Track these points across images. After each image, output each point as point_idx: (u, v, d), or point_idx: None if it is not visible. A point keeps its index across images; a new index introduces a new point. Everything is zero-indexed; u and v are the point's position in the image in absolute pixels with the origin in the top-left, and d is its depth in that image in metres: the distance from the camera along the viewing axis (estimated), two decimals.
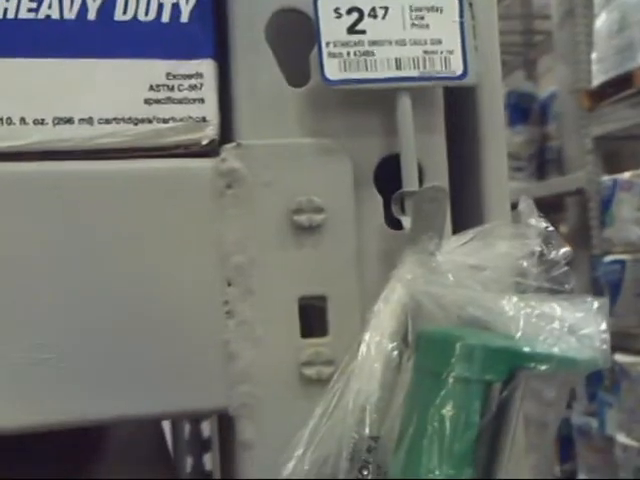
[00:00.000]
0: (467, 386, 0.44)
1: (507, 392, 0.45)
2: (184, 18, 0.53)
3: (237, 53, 0.54)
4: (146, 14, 0.53)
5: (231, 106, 0.54)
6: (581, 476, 2.49)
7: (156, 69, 0.53)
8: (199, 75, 0.53)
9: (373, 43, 0.53)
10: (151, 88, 0.53)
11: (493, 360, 0.45)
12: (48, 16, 0.51)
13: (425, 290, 0.48)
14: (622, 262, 2.32)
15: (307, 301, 0.53)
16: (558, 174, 2.80)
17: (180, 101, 0.53)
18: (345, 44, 0.52)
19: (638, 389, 2.18)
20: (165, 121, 0.53)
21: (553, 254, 0.49)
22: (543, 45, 3.26)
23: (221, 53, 0.54)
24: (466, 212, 0.58)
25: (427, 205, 0.51)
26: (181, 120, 0.53)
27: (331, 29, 0.52)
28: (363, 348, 0.48)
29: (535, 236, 0.49)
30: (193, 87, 0.53)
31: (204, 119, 0.53)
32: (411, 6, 0.53)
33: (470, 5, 0.55)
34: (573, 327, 0.45)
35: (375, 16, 0.53)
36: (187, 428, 1.85)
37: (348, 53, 0.52)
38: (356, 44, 0.52)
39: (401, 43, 0.53)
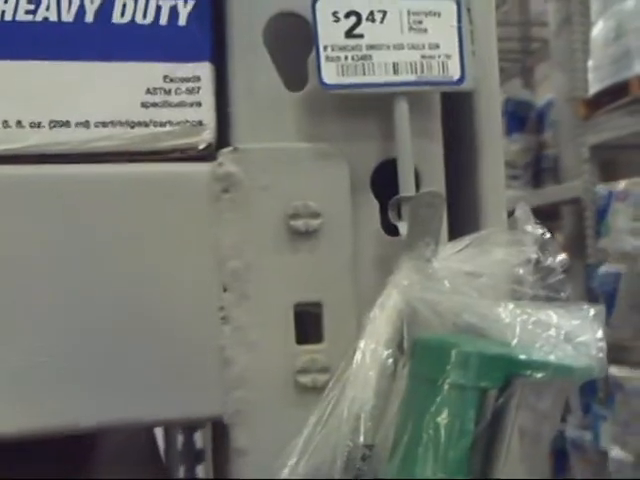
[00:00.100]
0: (462, 393, 0.44)
1: (502, 400, 0.44)
2: (182, 21, 0.53)
3: (235, 56, 0.54)
4: (144, 17, 0.53)
5: (228, 110, 0.54)
6: None
7: (153, 72, 0.53)
8: (196, 78, 0.53)
9: (371, 47, 0.53)
10: (148, 91, 0.53)
11: (489, 367, 0.44)
12: (46, 18, 0.51)
13: (421, 297, 0.48)
14: (617, 273, 2.31)
15: (303, 307, 0.53)
16: (554, 183, 2.80)
17: (177, 104, 0.53)
18: (343, 48, 0.52)
19: (632, 402, 2.17)
20: (162, 125, 0.53)
21: (549, 261, 0.48)
22: (540, 53, 3.27)
23: (218, 56, 0.54)
24: (463, 218, 0.57)
25: (424, 210, 0.50)
26: (178, 124, 0.53)
27: (329, 33, 0.52)
28: (358, 355, 0.48)
29: (531, 243, 0.49)
30: (190, 90, 0.53)
31: (201, 123, 0.53)
32: (409, 10, 0.53)
33: (468, 10, 0.55)
34: (569, 335, 0.45)
35: (373, 20, 0.53)
36: (180, 440, 1.84)
37: (346, 57, 0.52)
38: (354, 48, 0.52)
39: (399, 47, 0.53)
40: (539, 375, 0.44)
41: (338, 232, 0.53)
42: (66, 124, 0.51)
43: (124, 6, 0.52)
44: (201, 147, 0.53)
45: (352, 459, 0.46)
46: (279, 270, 0.52)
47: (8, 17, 0.51)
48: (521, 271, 0.49)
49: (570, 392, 0.46)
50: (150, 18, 0.53)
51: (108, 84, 0.52)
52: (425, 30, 0.53)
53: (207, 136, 0.53)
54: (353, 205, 0.54)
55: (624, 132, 2.31)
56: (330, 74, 0.52)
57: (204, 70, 0.53)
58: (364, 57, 0.52)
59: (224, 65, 0.54)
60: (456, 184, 0.57)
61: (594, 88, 2.29)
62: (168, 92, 0.53)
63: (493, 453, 0.45)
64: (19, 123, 0.51)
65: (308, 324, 0.53)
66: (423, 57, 0.53)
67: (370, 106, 0.54)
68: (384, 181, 0.54)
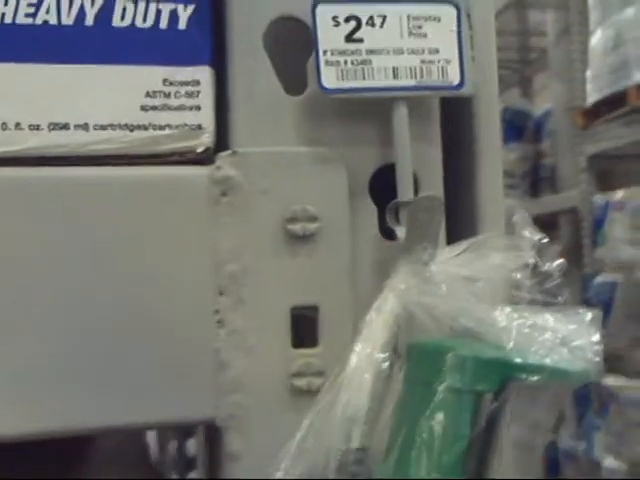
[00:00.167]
0: (458, 397, 0.44)
1: (497, 403, 0.44)
2: (182, 25, 0.53)
3: (234, 60, 0.54)
4: (144, 20, 0.53)
5: (227, 113, 0.54)
6: None
7: (153, 75, 0.53)
8: (196, 82, 0.53)
9: (370, 52, 0.53)
10: (147, 95, 0.53)
11: (484, 371, 0.44)
12: (46, 21, 0.51)
13: (418, 300, 0.48)
14: (613, 283, 2.31)
15: (299, 311, 0.53)
16: (552, 192, 2.80)
17: (176, 108, 0.53)
18: (342, 52, 0.52)
19: (626, 412, 2.17)
20: (161, 128, 0.53)
21: (547, 266, 0.48)
22: (539, 62, 3.27)
23: (218, 60, 0.54)
24: (461, 223, 0.57)
25: (422, 214, 0.50)
26: (177, 127, 0.53)
27: (329, 37, 0.52)
28: (353, 359, 0.48)
29: (529, 248, 0.49)
30: (189, 94, 0.53)
31: (200, 126, 0.53)
32: (409, 15, 0.53)
33: (468, 15, 0.55)
34: (565, 339, 0.45)
35: (373, 25, 0.53)
36: (173, 446, 1.84)
37: (345, 62, 0.52)
38: (353, 53, 0.52)
39: (398, 52, 0.53)
40: (535, 378, 0.44)
41: (336, 236, 0.53)
42: (65, 127, 0.51)
43: (124, 10, 0.52)
44: (200, 150, 0.53)
45: (345, 462, 0.46)
46: (276, 274, 0.52)
47: (8, 20, 0.51)
48: (518, 276, 0.49)
49: (564, 401, 0.46)
50: (150, 22, 0.53)
51: (108, 87, 0.52)
52: (425, 35, 0.53)
53: (206, 140, 0.53)
54: (351, 209, 0.54)
55: (622, 142, 2.32)
56: (330, 78, 0.52)
57: (204, 74, 0.53)
58: (364, 62, 0.53)
59: (224, 69, 0.55)
60: (454, 189, 0.57)
61: (592, 98, 2.29)
62: (167, 95, 0.53)
63: (487, 456, 0.45)
64: (18, 125, 0.51)
65: (304, 327, 0.53)
66: (423, 62, 0.53)
67: (369, 111, 0.55)
68: (382, 186, 0.54)
